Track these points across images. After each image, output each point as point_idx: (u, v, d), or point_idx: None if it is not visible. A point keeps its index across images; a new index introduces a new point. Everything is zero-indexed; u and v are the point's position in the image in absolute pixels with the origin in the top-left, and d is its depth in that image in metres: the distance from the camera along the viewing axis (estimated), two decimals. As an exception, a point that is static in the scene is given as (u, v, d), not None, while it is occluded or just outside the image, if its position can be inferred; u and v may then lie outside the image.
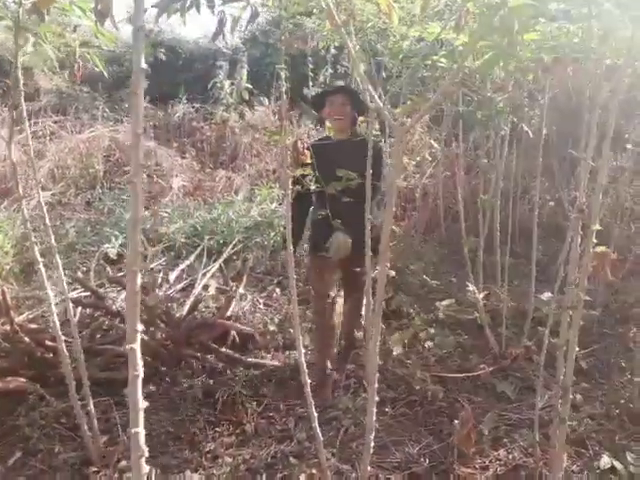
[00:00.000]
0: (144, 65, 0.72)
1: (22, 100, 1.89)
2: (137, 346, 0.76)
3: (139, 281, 0.75)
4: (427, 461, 2.26)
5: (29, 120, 6.25)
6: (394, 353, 2.41)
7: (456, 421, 2.18)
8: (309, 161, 1.85)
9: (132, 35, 0.71)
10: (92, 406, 2.24)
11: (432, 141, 5.84)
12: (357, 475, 2.15)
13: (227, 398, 2.66)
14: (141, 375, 0.79)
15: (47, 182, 5.48)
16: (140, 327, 0.76)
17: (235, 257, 4.51)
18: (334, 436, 2.40)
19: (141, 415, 0.77)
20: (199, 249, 4.47)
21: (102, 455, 2.26)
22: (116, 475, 2.19)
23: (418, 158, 5.46)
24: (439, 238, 4.94)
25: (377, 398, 1.62)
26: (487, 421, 2.21)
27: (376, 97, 1.35)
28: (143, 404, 0.78)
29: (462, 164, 4.57)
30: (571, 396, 1.65)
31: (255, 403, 2.63)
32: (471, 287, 2.53)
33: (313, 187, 1.76)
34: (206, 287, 3.93)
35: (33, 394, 2.51)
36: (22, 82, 1.92)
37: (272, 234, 4.83)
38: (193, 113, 7.12)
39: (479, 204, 3.23)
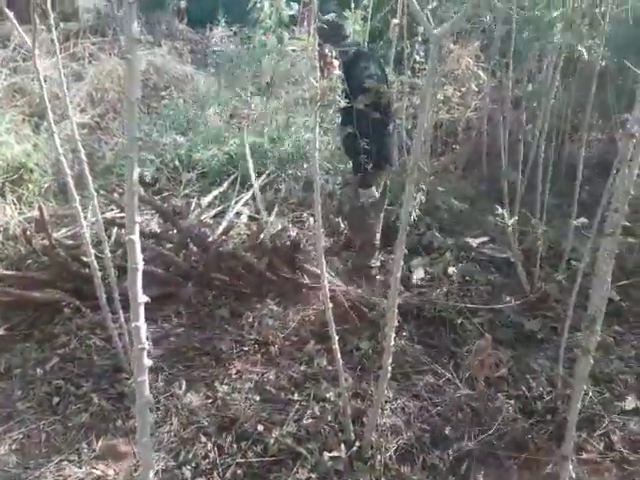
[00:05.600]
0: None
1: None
2: (136, 238, 0.75)
3: (136, 174, 0.72)
4: (446, 390, 2.28)
5: (68, 41, 6.22)
6: (414, 278, 2.37)
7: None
8: (337, 72, 1.73)
9: None
10: (123, 319, 2.33)
11: (480, 71, 5.49)
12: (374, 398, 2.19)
13: (253, 320, 2.73)
14: (140, 268, 0.78)
15: (86, 105, 5.50)
16: (139, 218, 0.74)
17: (268, 187, 4.49)
18: (357, 362, 2.45)
19: (141, 309, 0.78)
20: (232, 177, 4.46)
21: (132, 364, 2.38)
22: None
23: (463, 89, 5.16)
24: (479, 175, 4.73)
25: (396, 323, 1.61)
26: (506, 352, 2.19)
27: (415, 3, 1.24)
28: (143, 298, 0.77)
29: (509, 96, 4.29)
30: (601, 338, 1.58)
31: (280, 325, 2.68)
32: (500, 210, 2.40)
33: (342, 103, 1.65)
34: (238, 214, 3.96)
35: (69, 306, 2.63)
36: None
37: (305, 165, 4.76)
38: (232, 37, 6.89)
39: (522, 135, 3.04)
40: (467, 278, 2.94)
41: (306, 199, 4.41)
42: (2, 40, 6.01)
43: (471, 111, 5.47)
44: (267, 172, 4.60)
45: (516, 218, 2.53)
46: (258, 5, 6.42)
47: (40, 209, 2.74)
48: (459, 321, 2.62)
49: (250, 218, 3.96)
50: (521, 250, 3.16)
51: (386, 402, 2.18)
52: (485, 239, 3.37)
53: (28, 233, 2.82)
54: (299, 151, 4.90)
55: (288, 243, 3.03)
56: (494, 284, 3.05)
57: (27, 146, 3.68)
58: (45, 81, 2.15)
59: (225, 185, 4.33)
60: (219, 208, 4.02)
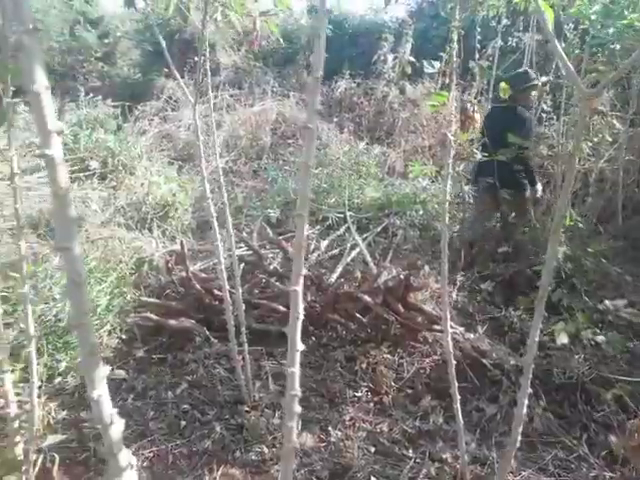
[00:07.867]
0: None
1: (205, 74, 2.10)
2: (300, 288, 0.81)
3: (305, 230, 0.79)
4: (578, 468, 2.07)
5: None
6: (558, 343, 2.21)
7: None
8: (478, 125, 1.74)
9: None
10: (247, 352, 2.45)
11: (614, 121, 5.14)
12: (497, 466, 2.06)
13: (367, 366, 2.72)
14: (301, 317, 0.83)
15: (222, 150, 6.05)
16: (304, 270, 0.80)
17: (384, 232, 4.54)
18: (476, 423, 2.32)
19: (298, 355, 0.82)
20: (350, 221, 4.58)
21: (252, 397, 2.48)
22: (262, 417, 2.40)
23: (596, 139, 4.86)
24: (614, 230, 4.37)
25: (530, 390, 1.51)
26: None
27: (568, 63, 1.23)
28: (301, 346, 0.82)
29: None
30: None
31: (394, 375, 2.64)
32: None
33: (479, 155, 1.66)
34: (354, 258, 4.04)
35: (200, 335, 2.83)
36: (207, 58, 2.12)
37: (421, 212, 4.75)
38: (355, 88, 7.22)
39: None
40: (603, 343, 2.69)
41: (421, 245, 4.38)
42: (157, 93, 6.87)
43: (604, 162, 5.12)
44: (383, 217, 4.67)
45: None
46: (382, 58, 6.72)
47: (181, 244, 3.02)
48: (594, 391, 2.39)
49: (365, 262, 4.02)
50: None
51: (509, 473, 2.03)
52: (624, 301, 3.07)
53: (169, 265, 3.12)
54: (416, 198, 4.92)
55: (400, 279, 3.01)
56: (634, 353, 2.75)
57: (173, 186, 4.11)
58: (194, 128, 2.41)
59: (342, 229, 4.45)
60: (336, 251, 4.14)
